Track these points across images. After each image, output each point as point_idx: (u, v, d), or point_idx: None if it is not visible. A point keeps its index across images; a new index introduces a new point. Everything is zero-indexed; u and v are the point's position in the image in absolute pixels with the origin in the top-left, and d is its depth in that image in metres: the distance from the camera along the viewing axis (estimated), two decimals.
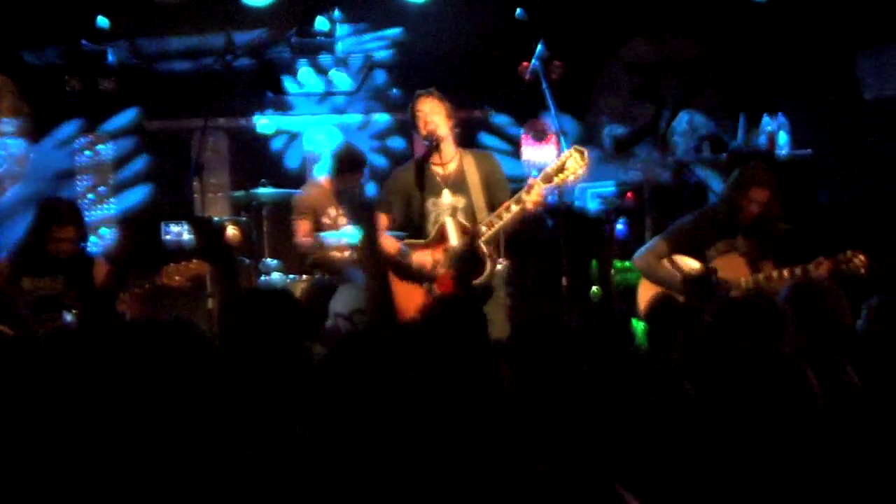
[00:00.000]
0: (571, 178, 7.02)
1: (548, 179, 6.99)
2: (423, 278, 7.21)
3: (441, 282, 7.12)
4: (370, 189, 9.19)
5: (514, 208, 7.02)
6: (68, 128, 10.27)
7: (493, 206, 7.20)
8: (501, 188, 7.34)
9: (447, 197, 7.24)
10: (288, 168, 10.49)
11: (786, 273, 7.08)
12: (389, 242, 7.30)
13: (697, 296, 6.62)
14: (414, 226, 7.32)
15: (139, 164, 10.39)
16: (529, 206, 6.98)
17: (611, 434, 3.23)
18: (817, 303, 5.05)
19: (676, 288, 7.20)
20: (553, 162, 7.11)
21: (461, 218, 7.17)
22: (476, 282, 7.04)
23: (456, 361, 3.56)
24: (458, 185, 7.24)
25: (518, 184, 7.55)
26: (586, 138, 10.33)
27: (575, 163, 6.96)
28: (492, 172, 7.36)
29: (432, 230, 7.25)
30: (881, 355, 4.60)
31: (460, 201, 7.22)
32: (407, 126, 8.05)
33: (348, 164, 8.73)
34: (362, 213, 7.64)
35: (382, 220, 7.40)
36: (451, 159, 7.28)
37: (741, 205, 7.32)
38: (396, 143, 10.55)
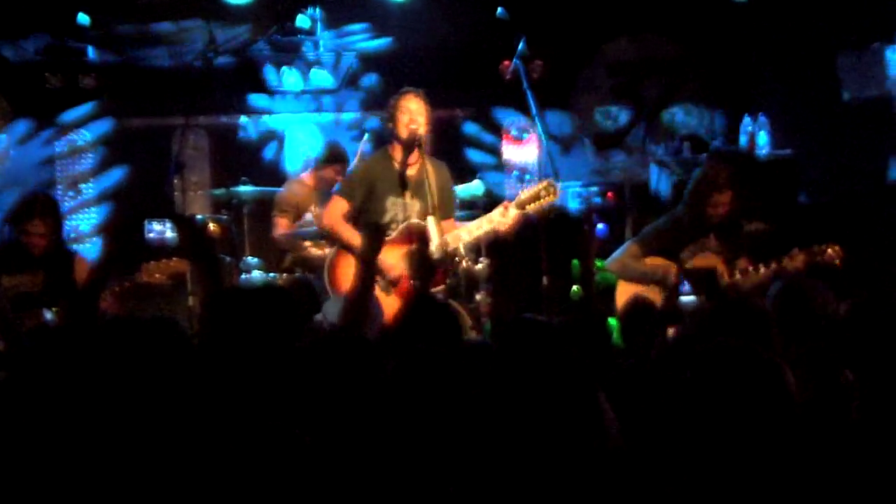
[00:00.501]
0: (545, 206, 7.19)
1: (521, 206, 7.17)
2: (384, 277, 7.18)
3: (401, 285, 7.14)
4: None
5: (486, 227, 7.13)
6: (45, 126, 10.26)
7: (444, 215, 7.28)
8: (451, 198, 7.55)
9: (407, 198, 7.26)
10: (269, 166, 10.47)
11: (762, 268, 7.11)
12: (352, 235, 7.24)
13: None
14: (367, 219, 7.29)
15: (115, 155, 10.37)
16: (501, 228, 7.11)
17: (586, 431, 3.25)
18: (807, 302, 5.06)
19: (654, 282, 7.23)
20: (528, 189, 7.27)
21: (416, 221, 7.20)
22: (435, 290, 7.06)
23: (433, 359, 3.58)
24: (418, 188, 7.26)
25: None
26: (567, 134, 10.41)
27: (548, 195, 7.15)
28: (447, 181, 7.50)
29: (389, 229, 7.24)
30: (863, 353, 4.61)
31: (417, 204, 7.24)
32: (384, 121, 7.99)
33: (329, 157, 8.77)
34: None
35: (343, 205, 7.36)
36: (416, 162, 7.30)
37: (706, 210, 7.33)
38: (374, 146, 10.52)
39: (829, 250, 7.07)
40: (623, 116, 10.95)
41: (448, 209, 7.39)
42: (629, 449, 3.26)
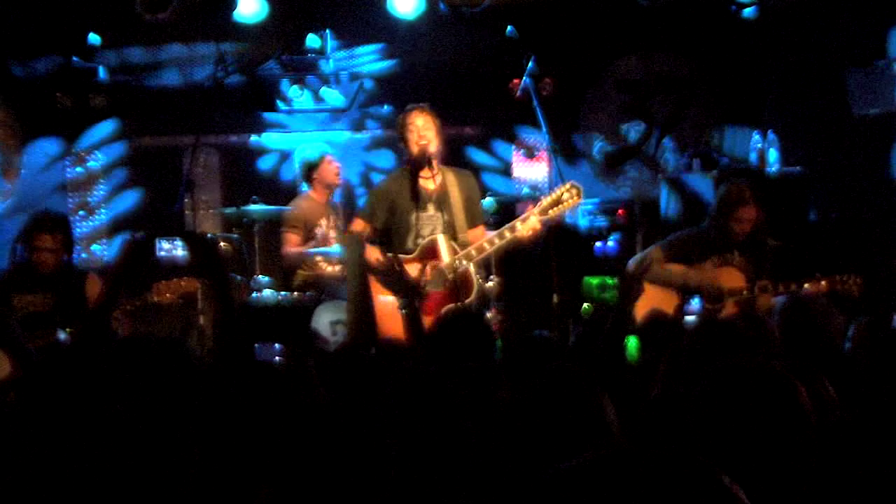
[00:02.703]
0: (567, 212, 7.27)
1: (543, 212, 7.14)
2: (406, 294, 7.18)
3: (429, 301, 7.13)
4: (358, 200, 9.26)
5: (508, 236, 7.11)
6: (56, 145, 10.30)
7: (471, 225, 7.28)
8: (479, 208, 7.59)
9: (431, 212, 7.28)
10: (279, 184, 10.48)
11: (782, 288, 7.12)
12: (373, 254, 7.29)
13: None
14: (394, 237, 7.33)
15: (128, 176, 10.40)
16: (525, 234, 7.07)
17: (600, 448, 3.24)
18: (810, 318, 5.06)
19: (676, 286, 7.24)
20: (549, 194, 7.25)
21: (441, 233, 7.21)
22: (460, 304, 7.05)
23: (444, 378, 3.58)
24: (441, 201, 7.29)
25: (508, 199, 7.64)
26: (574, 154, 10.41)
27: (570, 198, 7.10)
28: (473, 192, 7.50)
29: (413, 244, 7.26)
30: (867, 374, 4.61)
31: (442, 217, 7.26)
32: (396, 141, 8.02)
33: (311, 165, 8.83)
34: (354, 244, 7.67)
35: (364, 228, 7.40)
36: (435, 175, 7.31)
37: (730, 225, 7.35)
38: (386, 157, 10.52)
39: (850, 281, 7.08)
40: (633, 134, 10.95)
41: (475, 218, 7.42)
42: (639, 464, 3.26)
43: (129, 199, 10.36)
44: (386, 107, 10.45)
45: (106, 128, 10.38)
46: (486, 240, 7.16)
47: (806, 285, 7.06)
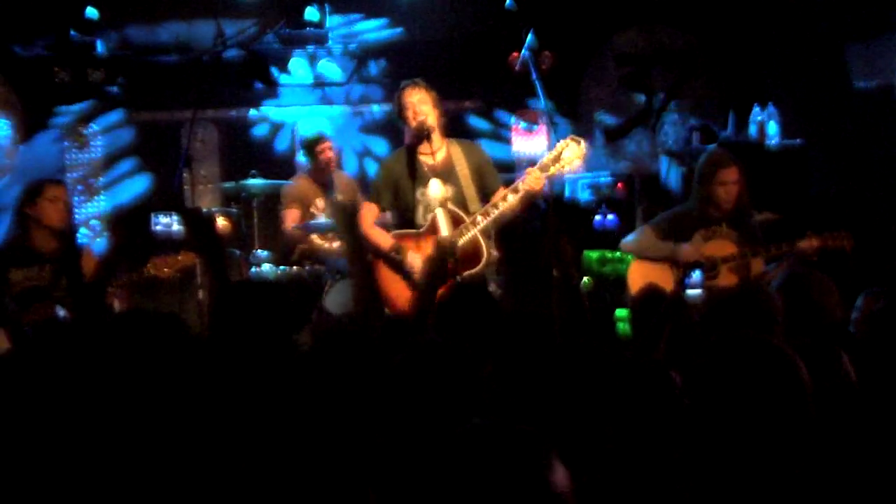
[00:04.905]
0: (568, 167, 6.98)
1: (545, 169, 6.91)
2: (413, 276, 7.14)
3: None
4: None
5: (511, 198, 6.97)
6: (55, 120, 10.29)
7: (484, 195, 7.17)
8: (492, 176, 7.31)
9: (436, 186, 7.18)
10: (278, 159, 10.47)
11: (773, 249, 7.09)
12: (382, 237, 7.23)
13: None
14: (403, 215, 7.29)
15: (130, 160, 10.38)
16: (531, 187, 6.89)
17: (596, 425, 3.24)
18: (807, 293, 5.06)
19: (671, 260, 7.21)
20: (550, 151, 7.08)
21: (452, 207, 7.12)
22: (470, 273, 6.97)
23: (440, 351, 3.57)
24: (446, 174, 7.19)
25: (509, 171, 7.58)
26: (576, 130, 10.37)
27: (572, 153, 6.92)
28: (482, 161, 7.32)
29: (423, 220, 7.20)
30: (873, 347, 4.60)
31: (450, 191, 7.16)
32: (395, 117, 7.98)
33: (310, 143, 8.81)
34: (342, 212, 7.66)
35: (373, 210, 7.36)
36: (438, 149, 7.22)
37: (715, 191, 7.25)
38: (384, 132, 10.49)
39: (842, 237, 7.07)
40: (633, 107, 10.93)
41: (490, 185, 7.23)
42: (641, 440, 3.26)
43: (132, 187, 10.32)
44: (385, 80, 10.43)
45: (114, 115, 10.38)
46: (491, 204, 7.03)
47: (798, 244, 7.03)
